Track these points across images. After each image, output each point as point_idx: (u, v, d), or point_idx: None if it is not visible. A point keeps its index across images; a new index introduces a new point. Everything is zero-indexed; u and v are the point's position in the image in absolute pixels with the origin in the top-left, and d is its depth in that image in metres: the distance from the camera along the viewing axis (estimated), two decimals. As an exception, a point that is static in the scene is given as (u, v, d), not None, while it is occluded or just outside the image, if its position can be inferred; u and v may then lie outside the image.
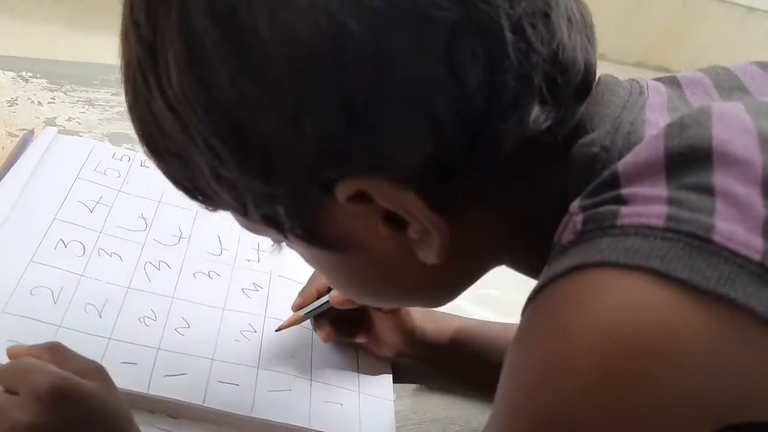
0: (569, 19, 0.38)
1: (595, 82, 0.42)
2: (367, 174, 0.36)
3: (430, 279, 0.44)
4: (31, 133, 0.72)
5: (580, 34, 0.39)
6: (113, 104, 0.84)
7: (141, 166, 0.75)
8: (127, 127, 0.80)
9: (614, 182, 0.35)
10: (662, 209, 0.32)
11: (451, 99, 0.34)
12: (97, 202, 0.68)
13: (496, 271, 0.47)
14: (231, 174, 0.37)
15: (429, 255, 0.40)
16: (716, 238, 0.31)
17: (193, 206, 0.69)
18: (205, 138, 0.36)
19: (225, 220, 0.71)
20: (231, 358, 0.60)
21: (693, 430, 0.32)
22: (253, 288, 0.67)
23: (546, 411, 0.34)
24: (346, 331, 0.63)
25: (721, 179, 0.32)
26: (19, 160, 0.68)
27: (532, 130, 0.37)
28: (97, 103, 0.84)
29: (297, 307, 0.62)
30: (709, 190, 0.32)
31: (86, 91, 0.85)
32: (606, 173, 0.36)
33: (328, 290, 0.61)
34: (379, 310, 0.62)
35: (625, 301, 0.32)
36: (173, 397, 0.54)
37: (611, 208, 0.34)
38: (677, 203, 0.32)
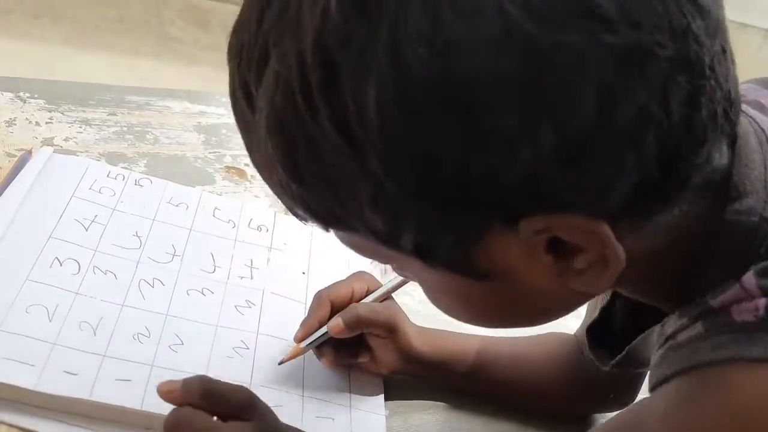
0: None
1: None
2: (563, 210, 0.36)
3: (561, 303, 0.44)
4: (29, 153, 0.74)
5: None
6: (109, 124, 0.86)
7: (135, 184, 0.76)
8: (123, 147, 0.82)
9: None
10: None
11: (659, 133, 0.35)
12: (93, 221, 0.69)
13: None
14: (402, 203, 0.36)
15: (588, 283, 0.39)
16: None
17: (186, 224, 0.72)
18: (388, 166, 0.35)
19: (218, 238, 0.73)
20: (224, 374, 0.60)
21: None
22: (246, 305, 0.68)
23: None
24: (346, 354, 0.64)
25: None
26: (15, 180, 0.69)
27: (715, 167, 0.38)
28: (93, 122, 0.85)
29: (299, 339, 0.63)
30: None
31: (83, 111, 0.86)
32: None
33: (328, 319, 0.62)
34: (377, 336, 0.63)
35: None
36: (168, 413, 0.55)
37: None
38: None
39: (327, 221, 0.40)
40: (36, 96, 0.86)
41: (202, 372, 0.59)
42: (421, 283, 0.45)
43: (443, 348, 0.67)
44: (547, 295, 0.41)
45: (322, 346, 0.63)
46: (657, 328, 0.46)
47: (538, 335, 0.70)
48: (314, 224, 0.42)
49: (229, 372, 0.60)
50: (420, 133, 0.34)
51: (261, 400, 0.52)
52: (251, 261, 0.72)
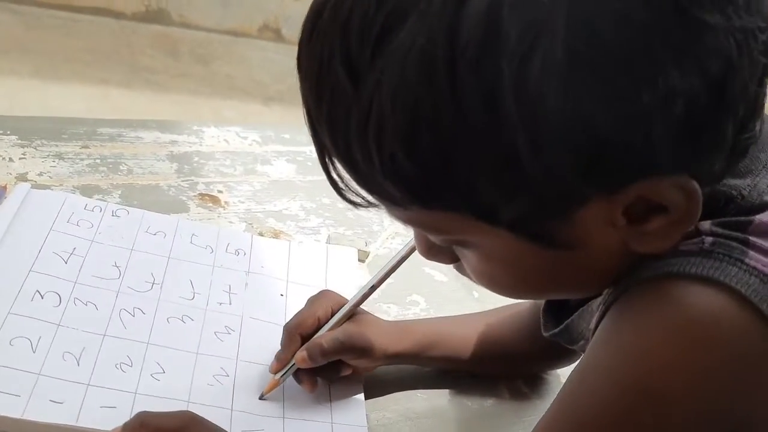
0: None
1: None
2: (671, 173, 0.40)
3: (612, 272, 0.46)
4: (4, 189, 0.75)
5: None
6: (83, 157, 0.87)
7: (113, 215, 0.77)
8: (97, 179, 0.84)
9: (746, 228, 0.43)
10: None
11: (746, 107, 0.41)
12: (71, 253, 0.71)
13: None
14: (527, 179, 0.38)
15: (652, 245, 0.43)
16: None
17: (164, 252, 0.74)
18: (535, 142, 0.37)
19: (196, 264, 0.74)
20: (205, 400, 0.62)
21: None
22: (225, 331, 0.69)
23: (642, 381, 0.42)
24: (329, 371, 0.66)
25: None
26: (-7, 216, 0.70)
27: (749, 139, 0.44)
28: (66, 156, 0.86)
29: (275, 371, 0.64)
30: None
31: (56, 146, 0.87)
32: (742, 217, 0.43)
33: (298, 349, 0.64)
34: (350, 352, 0.65)
35: (737, 321, 0.41)
36: None
37: (738, 245, 0.42)
38: None
39: (419, 199, 0.41)
40: (8, 132, 0.87)
41: (184, 399, 0.61)
42: (480, 257, 0.46)
43: (420, 338, 0.70)
44: (604, 262, 0.45)
45: (300, 374, 0.65)
46: (597, 300, 0.51)
47: (504, 306, 0.77)
48: (389, 206, 0.43)
49: (210, 399, 0.62)
50: (577, 107, 0.36)
51: (204, 419, 0.54)
52: (229, 287, 0.74)
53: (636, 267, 0.44)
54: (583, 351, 0.59)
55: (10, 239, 0.69)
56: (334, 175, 0.43)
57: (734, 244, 0.42)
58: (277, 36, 3.07)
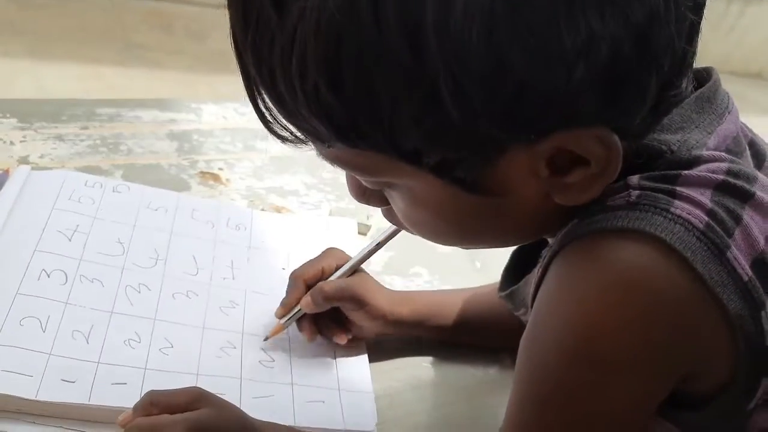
0: None
1: (711, 78, 0.48)
2: (591, 125, 0.40)
3: (537, 221, 0.48)
4: (6, 173, 0.75)
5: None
6: (83, 138, 0.87)
7: (113, 192, 0.78)
8: (98, 159, 0.84)
9: (674, 180, 0.43)
10: (704, 216, 0.42)
11: (672, 63, 0.41)
12: (75, 231, 0.71)
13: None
14: (449, 120, 0.38)
15: (572, 197, 0.44)
16: (728, 255, 0.42)
17: (166, 228, 0.75)
18: (456, 80, 0.37)
19: (199, 240, 0.75)
20: (215, 372, 0.63)
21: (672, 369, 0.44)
22: (230, 305, 0.70)
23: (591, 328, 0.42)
24: (333, 328, 0.69)
25: (748, 216, 0.43)
26: (-4, 200, 0.71)
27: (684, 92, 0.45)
28: (67, 138, 0.86)
29: (279, 316, 0.68)
30: (737, 219, 0.42)
31: (56, 127, 0.87)
32: (670, 171, 0.44)
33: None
34: (349, 308, 0.67)
35: (664, 270, 0.41)
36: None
37: (665, 197, 0.42)
38: (713, 216, 0.42)
39: (343, 135, 0.41)
40: (8, 115, 0.87)
41: (194, 372, 0.62)
42: (407, 201, 0.47)
43: (419, 307, 0.72)
44: (529, 211, 0.46)
45: (301, 322, 0.68)
46: (536, 269, 0.52)
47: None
48: (315, 143, 0.43)
49: (219, 370, 0.63)
50: (498, 49, 0.36)
51: (212, 393, 0.55)
52: (232, 262, 0.75)
53: (566, 225, 0.45)
54: (524, 317, 0.61)
55: (13, 221, 0.69)
56: (262, 107, 0.44)
57: (660, 195, 0.42)
58: (271, 10, 3.04)
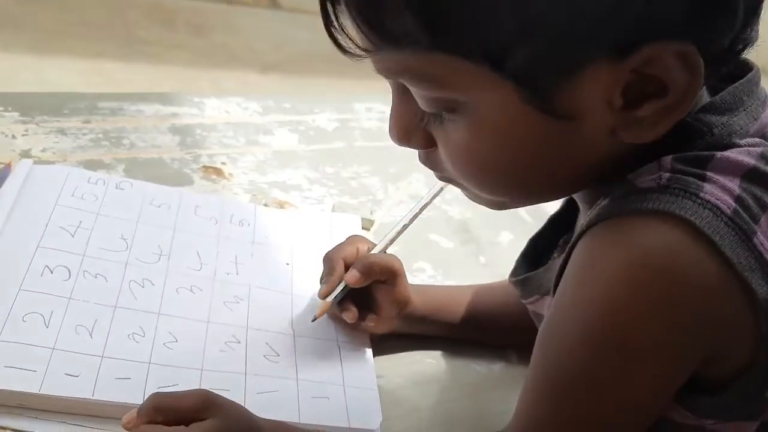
0: None
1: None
2: (675, 38, 0.40)
3: (591, 164, 0.47)
4: (8, 167, 0.75)
5: None
6: (85, 132, 0.87)
7: (116, 188, 0.77)
8: (100, 153, 0.84)
9: (705, 163, 0.43)
10: (731, 203, 0.42)
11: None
12: (78, 227, 0.71)
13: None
14: (535, 27, 0.39)
15: (640, 133, 0.44)
16: (755, 240, 0.42)
17: (170, 224, 0.74)
18: None
19: (202, 236, 0.75)
20: (219, 367, 0.63)
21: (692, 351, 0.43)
22: (234, 300, 0.70)
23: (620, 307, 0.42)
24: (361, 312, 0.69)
25: None
26: (-2, 194, 0.71)
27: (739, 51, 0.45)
28: (69, 131, 0.86)
29: (324, 295, 0.68)
30: (763, 206, 0.43)
31: (58, 121, 0.87)
32: (705, 153, 0.44)
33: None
34: (383, 282, 0.68)
35: (693, 253, 0.42)
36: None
37: (694, 180, 0.43)
38: (741, 203, 0.42)
39: (431, 30, 0.41)
40: (10, 109, 0.87)
41: (198, 367, 0.62)
42: (469, 127, 0.46)
43: (432, 299, 0.72)
44: (589, 148, 0.46)
45: (344, 303, 0.68)
46: (555, 255, 0.53)
47: None
48: (389, 49, 0.42)
49: (223, 365, 0.63)
50: None
51: (221, 396, 0.53)
52: (236, 257, 0.74)
53: (599, 204, 0.45)
54: (532, 306, 0.60)
55: (16, 216, 0.69)
56: (331, 15, 0.43)
57: (690, 179, 0.43)
58: (273, 3, 3.04)
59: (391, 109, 0.50)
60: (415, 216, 0.72)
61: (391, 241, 0.71)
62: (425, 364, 0.72)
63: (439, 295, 0.74)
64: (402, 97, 0.49)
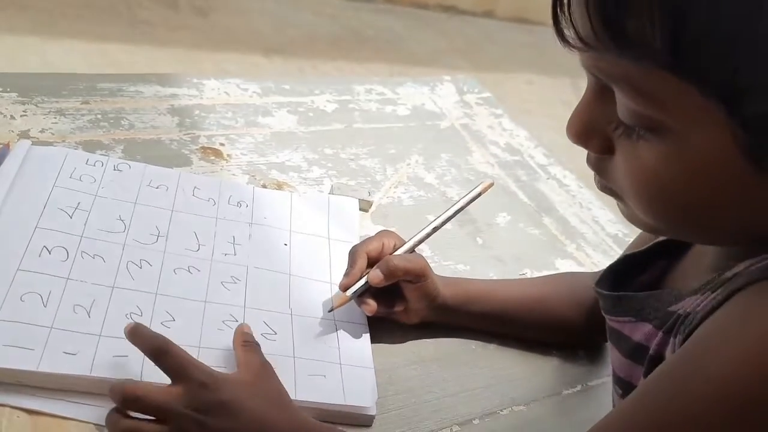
0: None
1: None
2: None
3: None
4: (7, 147, 0.75)
5: None
6: (83, 112, 0.87)
7: (114, 170, 0.78)
8: (99, 134, 0.84)
9: None
10: None
11: None
12: (76, 208, 0.71)
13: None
14: None
15: None
16: None
17: (167, 205, 0.75)
18: None
19: (200, 217, 0.75)
20: (216, 345, 0.63)
21: None
22: (232, 281, 0.70)
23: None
24: (385, 303, 0.70)
25: None
26: (-3, 174, 0.71)
27: None
28: (68, 112, 0.86)
29: (344, 288, 0.69)
30: None
31: (56, 102, 0.87)
32: None
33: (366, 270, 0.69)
34: (409, 282, 0.68)
35: None
36: (165, 382, 0.58)
37: None
38: None
39: (676, 50, 0.38)
40: (8, 90, 0.87)
41: (195, 344, 0.62)
42: (667, 153, 0.43)
43: (462, 291, 0.73)
44: None
45: (364, 296, 0.69)
46: (673, 291, 0.50)
47: (553, 275, 0.80)
48: (619, 51, 0.40)
49: (220, 343, 0.63)
50: None
51: (198, 392, 0.54)
52: (233, 238, 0.75)
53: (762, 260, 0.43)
54: (619, 325, 0.58)
55: (14, 196, 0.69)
56: (564, 1, 0.41)
57: None
58: (276, -15, 3.02)
59: (579, 103, 0.47)
60: (448, 219, 0.72)
61: (420, 242, 0.72)
62: (420, 344, 0.72)
63: (470, 288, 0.74)
64: (600, 97, 0.46)
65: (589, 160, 0.49)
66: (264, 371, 0.59)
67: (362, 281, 0.68)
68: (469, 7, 3.40)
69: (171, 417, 0.53)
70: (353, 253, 0.70)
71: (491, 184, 0.73)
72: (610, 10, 0.39)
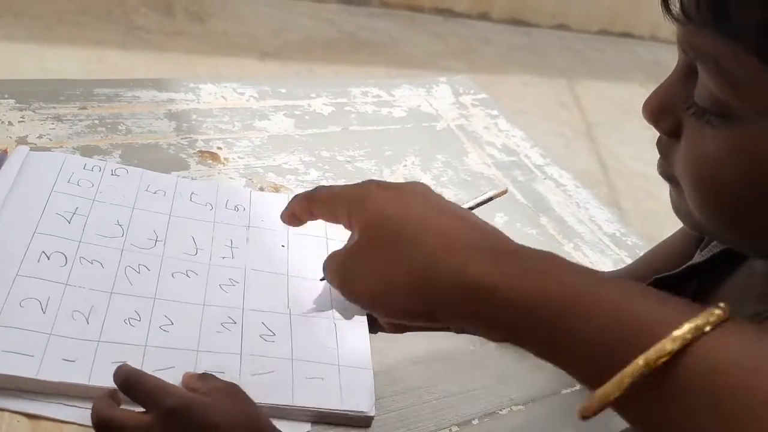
0: None
1: None
2: None
3: None
4: (5, 153, 0.75)
5: None
6: (81, 118, 0.87)
7: (112, 174, 0.78)
8: (97, 139, 0.84)
9: None
10: None
11: None
12: (74, 213, 0.72)
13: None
14: None
15: None
16: None
17: (165, 210, 0.75)
18: None
19: (198, 221, 0.75)
20: (215, 348, 0.64)
21: None
22: (230, 283, 0.70)
23: None
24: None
25: None
26: (-5, 181, 0.71)
27: None
28: (65, 118, 0.86)
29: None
30: None
31: (54, 108, 0.87)
32: None
33: None
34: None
35: None
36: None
37: None
38: None
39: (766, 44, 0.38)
40: (6, 96, 0.87)
41: (194, 348, 0.62)
42: (727, 140, 0.42)
43: None
44: None
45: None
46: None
47: None
48: (718, 27, 0.39)
49: (219, 346, 0.64)
50: None
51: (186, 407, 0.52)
52: (231, 241, 0.75)
53: None
54: None
55: (12, 202, 0.69)
56: None
57: None
58: (271, -10, 3.03)
59: (662, 83, 0.46)
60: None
61: None
62: (418, 344, 0.72)
63: None
64: (684, 77, 0.45)
65: (659, 142, 0.48)
66: (235, 390, 0.56)
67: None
68: (464, 10, 3.40)
69: None
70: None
71: (505, 191, 0.71)
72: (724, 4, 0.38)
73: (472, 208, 0.71)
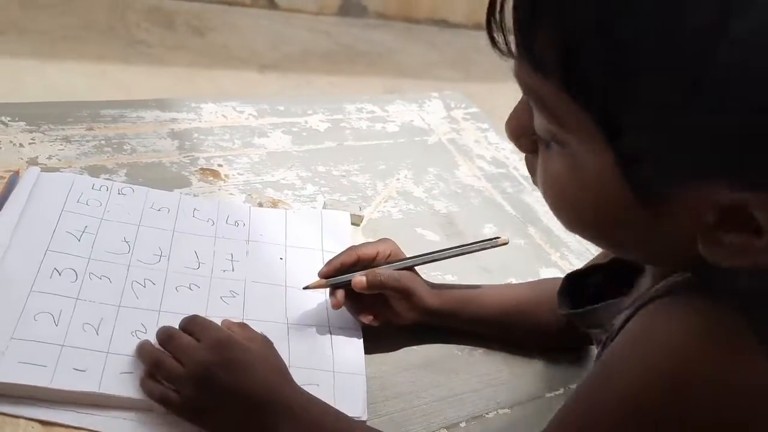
0: None
1: None
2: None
3: (663, 251, 0.46)
4: (17, 174, 0.79)
5: None
6: (88, 138, 0.91)
7: (119, 194, 0.82)
8: (103, 159, 0.89)
9: None
10: None
11: None
12: (84, 231, 0.76)
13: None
14: (685, 119, 0.37)
15: (721, 257, 0.41)
16: None
17: (169, 227, 0.79)
18: (723, 92, 0.36)
19: (200, 237, 0.79)
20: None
21: None
22: (231, 295, 0.74)
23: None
24: (357, 307, 0.74)
25: None
26: (8, 201, 0.75)
27: None
28: (73, 139, 0.91)
29: (324, 275, 0.73)
30: None
31: (62, 129, 0.92)
32: None
33: (351, 269, 0.73)
34: (398, 291, 0.72)
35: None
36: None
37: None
38: None
39: (565, 70, 0.40)
40: (17, 119, 0.91)
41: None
42: (566, 164, 0.45)
43: (450, 299, 0.77)
44: (664, 239, 0.44)
45: (336, 290, 0.73)
46: (626, 300, 0.53)
47: (536, 281, 0.84)
48: (529, 66, 0.41)
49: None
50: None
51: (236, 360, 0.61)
52: (231, 255, 0.79)
53: (677, 269, 0.46)
54: (596, 339, 0.62)
55: (25, 222, 0.74)
56: (497, 7, 0.43)
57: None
58: (270, 4, 3.08)
59: (518, 103, 0.49)
60: (450, 256, 0.77)
61: (413, 265, 0.75)
62: (410, 351, 0.76)
63: (459, 295, 0.78)
64: (528, 106, 0.48)
65: (526, 159, 0.52)
66: (267, 343, 0.66)
67: (346, 277, 0.72)
68: (459, 20, 3.45)
69: (189, 362, 0.61)
70: (346, 250, 0.74)
71: (506, 242, 0.76)
72: (524, 23, 0.41)
73: (470, 252, 0.76)
